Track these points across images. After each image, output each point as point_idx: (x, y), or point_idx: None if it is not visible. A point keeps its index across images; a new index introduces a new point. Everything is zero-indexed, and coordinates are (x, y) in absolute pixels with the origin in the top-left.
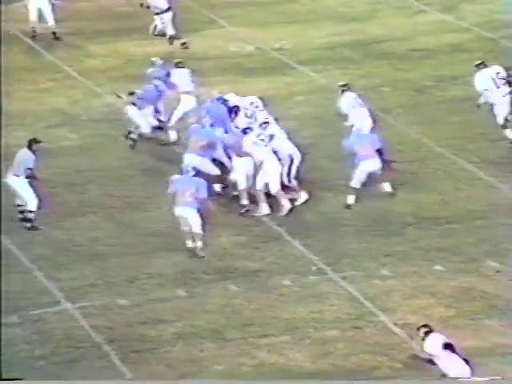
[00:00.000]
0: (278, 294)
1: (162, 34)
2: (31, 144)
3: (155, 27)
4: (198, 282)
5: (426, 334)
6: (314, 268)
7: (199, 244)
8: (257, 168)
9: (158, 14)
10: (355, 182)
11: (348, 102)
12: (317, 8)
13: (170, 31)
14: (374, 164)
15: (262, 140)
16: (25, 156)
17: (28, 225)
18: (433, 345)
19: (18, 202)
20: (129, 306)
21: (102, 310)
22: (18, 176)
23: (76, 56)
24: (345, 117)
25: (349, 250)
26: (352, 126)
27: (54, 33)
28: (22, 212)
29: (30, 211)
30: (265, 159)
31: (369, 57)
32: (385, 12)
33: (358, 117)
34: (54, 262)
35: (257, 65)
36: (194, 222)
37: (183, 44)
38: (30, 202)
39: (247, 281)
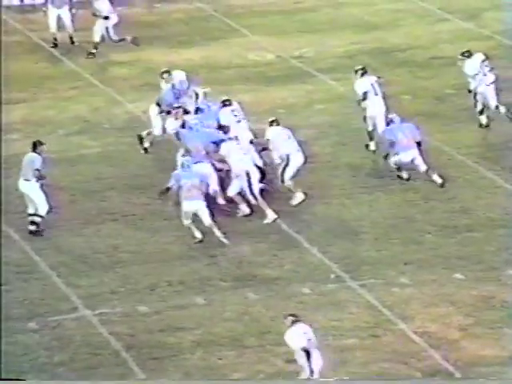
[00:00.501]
0: (296, 301)
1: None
2: (36, 146)
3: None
4: (217, 290)
5: (293, 323)
6: (332, 276)
7: (219, 233)
8: (230, 175)
9: (106, 18)
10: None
11: (364, 86)
12: (338, 17)
13: (114, 37)
14: (412, 155)
15: (241, 148)
16: (31, 158)
17: (32, 228)
18: (296, 335)
19: (30, 211)
20: (148, 313)
21: (121, 317)
22: (28, 180)
23: (98, 64)
24: (360, 100)
25: (368, 257)
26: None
27: (71, 38)
28: (32, 221)
29: (39, 215)
30: (249, 169)
31: (389, 65)
32: (407, 20)
33: (373, 103)
34: (74, 268)
35: (277, 73)
36: (204, 215)
37: (134, 40)
38: (41, 206)
39: (266, 288)
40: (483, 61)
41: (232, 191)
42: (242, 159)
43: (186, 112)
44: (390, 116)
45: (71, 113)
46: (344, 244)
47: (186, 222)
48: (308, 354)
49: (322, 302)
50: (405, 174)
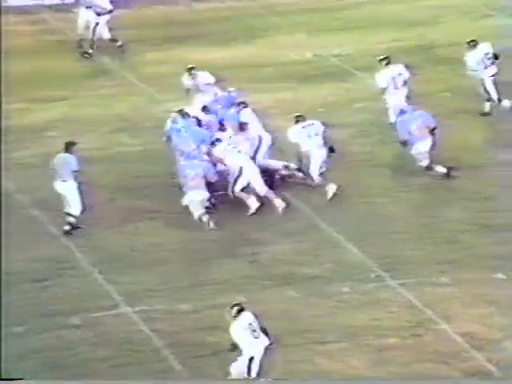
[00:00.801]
0: (336, 300)
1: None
2: (68, 147)
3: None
4: (257, 288)
5: (239, 312)
6: (372, 275)
7: (212, 224)
8: (232, 173)
9: (99, 14)
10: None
11: (386, 77)
12: (378, 14)
13: (107, 34)
14: (428, 144)
15: (235, 147)
16: (67, 159)
17: (67, 228)
18: (241, 327)
19: (67, 210)
20: (189, 311)
21: (162, 315)
22: (65, 181)
23: (138, 63)
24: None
25: (408, 256)
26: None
27: (111, 40)
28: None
29: (72, 215)
30: (243, 164)
31: (430, 62)
32: (448, 17)
33: (395, 96)
34: (114, 266)
35: (317, 71)
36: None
37: (120, 47)
38: (75, 206)
39: (306, 287)
40: (486, 53)
41: (236, 188)
42: (235, 157)
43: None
44: (402, 106)
45: (111, 111)
46: (384, 243)
47: (197, 213)
48: (250, 342)
49: (362, 301)
50: (440, 168)
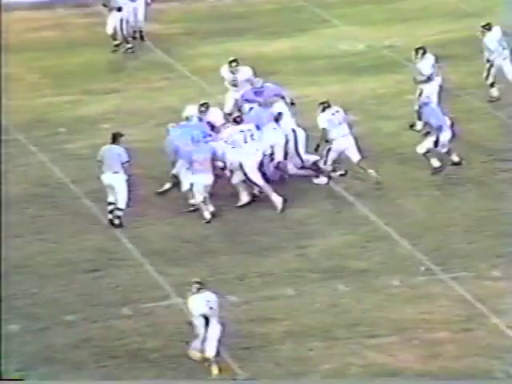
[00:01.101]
0: (386, 294)
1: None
2: (116, 138)
3: (115, 30)
4: (306, 281)
5: (199, 290)
6: (422, 268)
7: (207, 213)
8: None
9: (119, 9)
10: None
11: (428, 65)
12: (429, 5)
13: (127, 30)
14: (449, 135)
15: (233, 142)
16: (116, 151)
17: (117, 222)
18: (198, 301)
19: (110, 199)
20: (238, 303)
21: None
22: (117, 173)
23: (189, 56)
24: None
25: (458, 250)
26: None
27: (140, 32)
28: (111, 210)
29: (120, 209)
30: (241, 160)
31: (482, 53)
32: (501, 7)
33: (431, 85)
34: (165, 257)
35: (367, 63)
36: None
37: (129, 49)
38: (122, 199)
39: (355, 280)
40: (501, 35)
41: (235, 179)
42: (235, 153)
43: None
44: (424, 98)
45: (162, 103)
46: (434, 236)
47: (200, 197)
48: (207, 321)
49: (412, 295)
50: (436, 163)
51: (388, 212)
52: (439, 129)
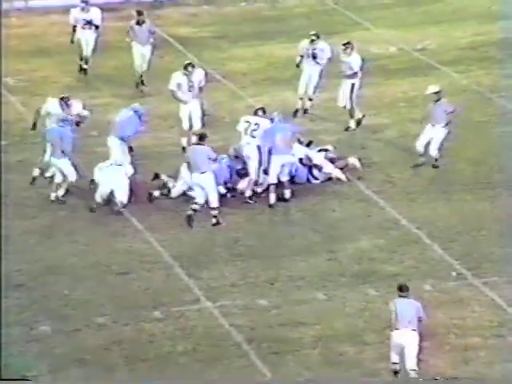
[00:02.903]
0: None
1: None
2: (203, 138)
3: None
4: (337, 285)
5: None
6: (454, 273)
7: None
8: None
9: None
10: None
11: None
12: (462, 7)
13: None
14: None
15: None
16: (205, 151)
17: (213, 221)
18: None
19: (199, 201)
20: (269, 307)
21: (242, 310)
22: (204, 172)
23: (220, 59)
24: None
25: (490, 254)
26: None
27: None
28: (195, 209)
29: (214, 208)
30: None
31: None
32: None
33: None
34: (195, 260)
35: (399, 66)
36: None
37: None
38: (214, 198)
39: (386, 285)
40: None
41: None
42: (245, 145)
43: None
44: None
45: None
46: (466, 240)
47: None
48: None
49: (444, 300)
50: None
51: (419, 216)
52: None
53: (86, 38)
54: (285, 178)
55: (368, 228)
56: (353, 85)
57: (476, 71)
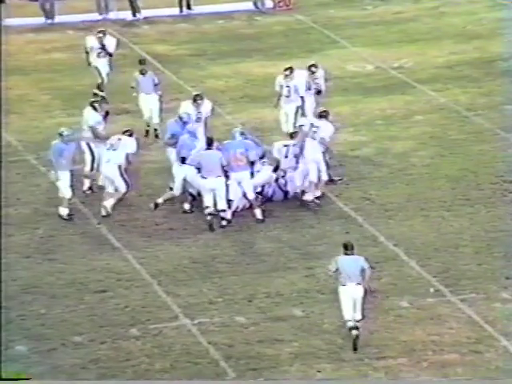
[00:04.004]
0: (395, 315)
1: None
2: (212, 142)
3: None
4: (315, 302)
5: None
6: (431, 290)
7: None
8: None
9: None
10: None
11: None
12: (438, 26)
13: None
14: None
15: None
16: (217, 155)
17: (223, 223)
18: None
19: (208, 203)
20: (246, 324)
21: (220, 327)
22: (220, 176)
23: (198, 76)
24: None
25: (468, 271)
26: None
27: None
28: (210, 213)
29: (223, 210)
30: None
31: (491, 75)
32: (510, 29)
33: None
34: (173, 277)
35: (376, 84)
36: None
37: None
38: (224, 200)
39: (364, 302)
40: None
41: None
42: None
43: None
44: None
45: None
46: (443, 257)
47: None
48: None
49: (421, 316)
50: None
51: (397, 233)
52: None
53: (100, 65)
54: (251, 196)
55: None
56: (297, 107)
57: (452, 89)
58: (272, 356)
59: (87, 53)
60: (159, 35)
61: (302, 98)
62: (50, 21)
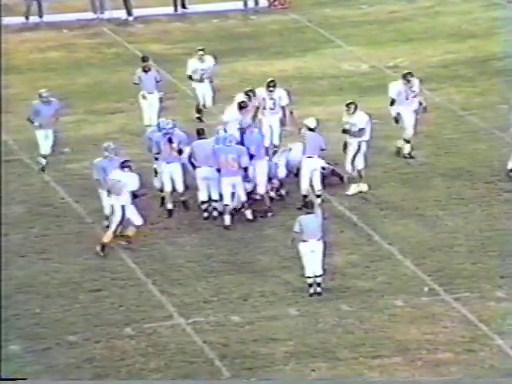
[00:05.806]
0: (389, 314)
1: None
2: (203, 132)
3: None
4: (309, 301)
5: None
6: (426, 289)
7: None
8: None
9: None
10: None
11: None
12: (433, 26)
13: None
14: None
15: None
16: (210, 145)
17: (215, 214)
18: None
19: (202, 198)
20: (241, 323)
21: (215, 327)
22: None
23: None
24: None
25: (462, 270)
26: None
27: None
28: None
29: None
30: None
31: (485, 74)
32: (505, 28)
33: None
34: (168, 277)
35: (372, 83)
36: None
37: None
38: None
39: (358, 300)
40: None
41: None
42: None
43: None
44: None
45: None
46: (438, 256)
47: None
48: None
49: (416, 315)
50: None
51: (391, 232)
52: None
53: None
54: (243, 198)
55: (341, 244)
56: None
57: (447, 89)
58: (267, 355)
59: None
60: (154, 34)
61: (283, 108)
62: (30, 20)
